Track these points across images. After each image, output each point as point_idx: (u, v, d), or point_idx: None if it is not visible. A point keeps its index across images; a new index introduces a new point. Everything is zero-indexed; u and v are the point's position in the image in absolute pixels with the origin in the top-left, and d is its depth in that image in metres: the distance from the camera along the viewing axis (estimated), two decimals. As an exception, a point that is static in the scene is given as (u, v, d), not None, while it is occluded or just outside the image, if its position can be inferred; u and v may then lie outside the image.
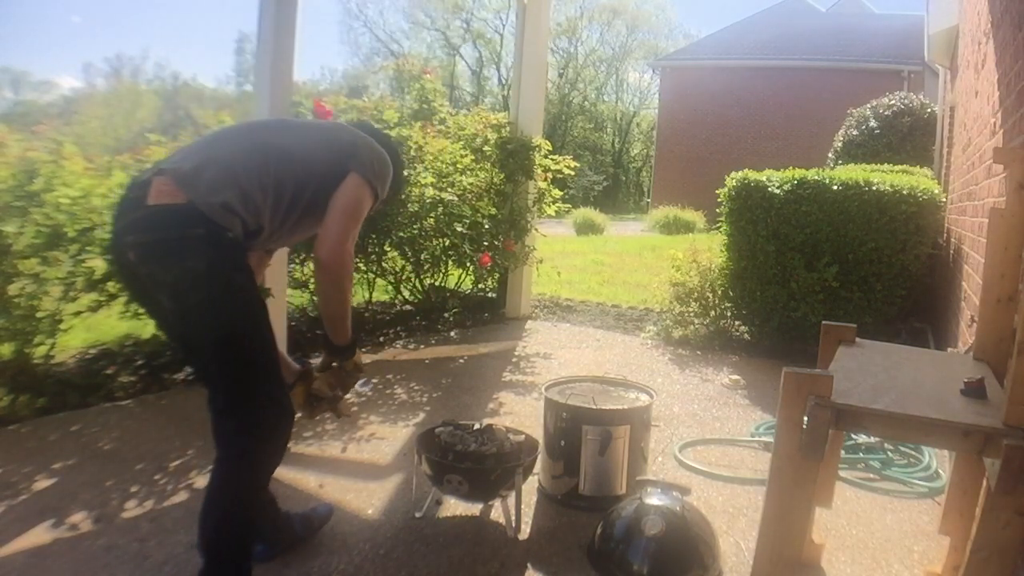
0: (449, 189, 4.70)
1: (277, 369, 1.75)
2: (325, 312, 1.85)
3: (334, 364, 1.93)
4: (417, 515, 2.26)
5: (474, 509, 2.30)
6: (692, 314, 4.99)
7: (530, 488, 2.41)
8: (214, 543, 1.64)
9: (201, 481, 2.46)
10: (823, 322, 2.02)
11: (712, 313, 4.91)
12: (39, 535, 2.06)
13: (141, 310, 3.60)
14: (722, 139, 20.12)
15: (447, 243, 4.91)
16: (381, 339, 4.78)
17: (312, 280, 4.81)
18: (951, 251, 4.30)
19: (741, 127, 20.08)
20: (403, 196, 4.25)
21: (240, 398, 1.66)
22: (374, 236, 4.57)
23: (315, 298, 4.97)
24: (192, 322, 1.66)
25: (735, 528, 2.26)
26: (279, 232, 1.81)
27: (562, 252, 9.26)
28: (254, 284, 1.74)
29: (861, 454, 2.86)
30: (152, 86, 34.06)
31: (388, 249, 4.90)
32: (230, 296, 1.63)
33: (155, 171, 1.68)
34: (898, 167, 6.44)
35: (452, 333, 5.05)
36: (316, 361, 1.98)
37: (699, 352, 4.63)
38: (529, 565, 2.01)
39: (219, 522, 1.65)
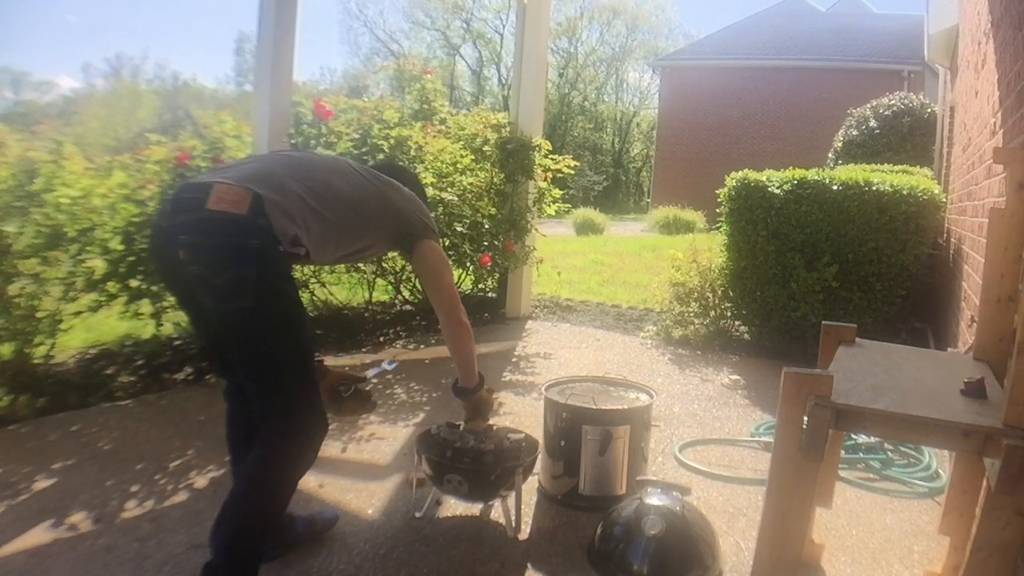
0: (449, 189, 4.70)
1: (316, 376, 1.78)
2: (451, 354, 2.15)
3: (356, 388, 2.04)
4: (417, 515, 2.26)
5: (474, 509, 2.30)
6: (692, 314, 4.99)
7: (530, 488, 2.41)
8: (232, 542, 1.64)
9: (201, 481, 2.46)
10: (823, 322, 2.02)
11: (712, 313, 4.91)
12: (39, 535, 2.06)
13: (149, 309, 3.64)
14: (722, 139, 20.14)
15: (447, 243, 4.91)
16: (381, 339, 4.78)
17: (312, 280, 4.83)
18: (951, 251, 4.29)
19: (741, 127, 20.09)
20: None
21: (281, 404, 1.68)
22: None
23: (315, 298, 5.00)
24: (234, 326, 1.67)
25: (735, 528, 2.26)
26: (319, 259, 1.93)
27: (562, 252, 9.26)
28: (298, 294, 1.80)
29: (861, 454, 2.86)
30: (152, 86, 34.02)
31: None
32: (276, 304, 1.67)
33: (217, 176, 1.71)
34: (898, 167, 6.43)
35: (452, 333, 5.04)
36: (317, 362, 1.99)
37: (699, 352, 4.63)
38: (529, 565, 2.01)
39: (241, 523, 1.66)
